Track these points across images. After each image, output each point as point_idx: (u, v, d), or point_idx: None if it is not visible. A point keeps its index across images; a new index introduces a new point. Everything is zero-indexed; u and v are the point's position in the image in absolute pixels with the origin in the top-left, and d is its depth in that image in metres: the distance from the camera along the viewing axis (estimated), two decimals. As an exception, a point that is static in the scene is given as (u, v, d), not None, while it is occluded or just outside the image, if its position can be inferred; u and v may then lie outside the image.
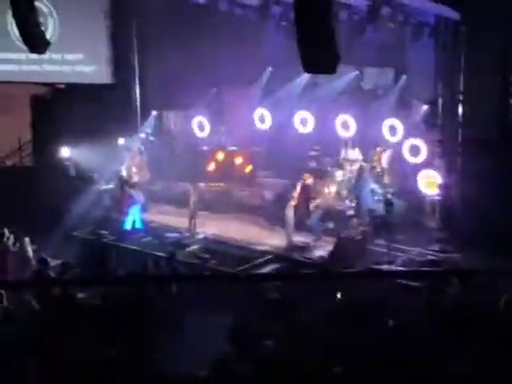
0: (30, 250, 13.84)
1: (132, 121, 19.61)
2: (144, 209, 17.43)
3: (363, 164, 17.39)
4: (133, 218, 17.01)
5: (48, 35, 16.00)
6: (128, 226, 16.93)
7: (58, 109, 18.50)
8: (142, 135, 19.61)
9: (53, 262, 13.03)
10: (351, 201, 17.11)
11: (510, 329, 8.83)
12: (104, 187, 18.25)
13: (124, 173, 18.13)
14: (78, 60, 18.91)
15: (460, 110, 15.02)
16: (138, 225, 17.09)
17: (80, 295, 10.69)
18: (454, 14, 14.78)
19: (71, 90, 18.88)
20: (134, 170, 18.22)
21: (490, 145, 14.87)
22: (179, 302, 10.76)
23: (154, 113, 19.97)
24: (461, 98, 14.96)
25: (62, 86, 19.41)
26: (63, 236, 15.65)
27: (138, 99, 19.74)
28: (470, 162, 14.99)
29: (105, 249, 15.03)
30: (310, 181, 15.95)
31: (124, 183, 17.52)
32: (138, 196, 17.22)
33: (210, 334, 8.60)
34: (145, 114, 19.90)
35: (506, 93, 14.48)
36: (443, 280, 10.96)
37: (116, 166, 18.20)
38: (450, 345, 8.02)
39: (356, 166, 17.65)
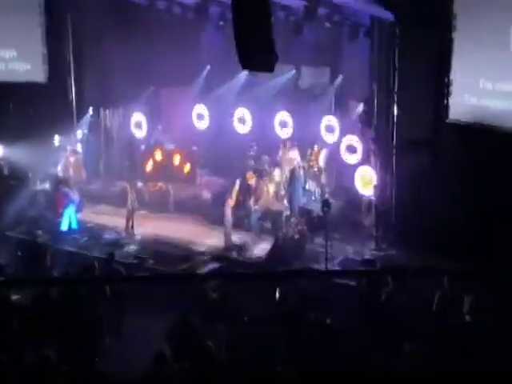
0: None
1: (68, 119, 19.29)
2: (79, 209, 17.16)
3: (295, 164, 17.45)
4: (68, 219, 16.75)
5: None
6: (64, 226, 16.67)
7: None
8: (79, 133, 19.31)
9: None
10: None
11: (444, 326, 9.02)
12: (39, 187, 17.94)
13: (60, 172, 17.84)
14: (11, 57, 18.51)
15: (395, 109, 15.24)
16: (74, 225, 16.84)
17: (14, 297, 10.51)
18: (388, 15, 15.00)
19: (4, 88, 18.46)
20: (70, 169, 17.93)
21: (424, 144, 15.15)
22: (117, 303, 10.66)
23: (91, 110, 19.68)
24: (395, 97, 15.18)
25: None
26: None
27: (74, 97, 19.42)
28: (405, 160, 15.23)
29: (40, 249, 14.74)
30: (252, 180, 15.99)
31: (59, 182, 17.24)
32: (74, 195, 16.97)
33: (149, 334, 8.55)
34: (81, 112, 19.60)
35: (440, 92, 14.74)
36: (379, 278, 11.13)
37: (51, 166, 17.90)
38: (385, 342, 8.14)
39: (293, 165, 17.74)
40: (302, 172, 17.31)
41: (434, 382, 5.92)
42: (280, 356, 7.72)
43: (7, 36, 18.17)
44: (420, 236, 14.20)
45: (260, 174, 17.35)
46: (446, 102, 14.65)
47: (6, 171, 18.07)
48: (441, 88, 14.69)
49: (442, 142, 15.01)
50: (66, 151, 18.31)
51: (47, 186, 17.99)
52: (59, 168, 17.92)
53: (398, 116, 15.24)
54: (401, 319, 9.52)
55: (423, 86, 14.80)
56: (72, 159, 18.21)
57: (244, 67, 8.91)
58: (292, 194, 16.82)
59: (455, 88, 14.45)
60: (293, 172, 17.19)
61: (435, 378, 5.86)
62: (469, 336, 8.14)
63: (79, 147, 18.93)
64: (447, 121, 14.71)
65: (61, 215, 17.06)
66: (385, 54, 15.47)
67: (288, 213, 16.64)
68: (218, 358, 7.44)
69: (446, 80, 14.52)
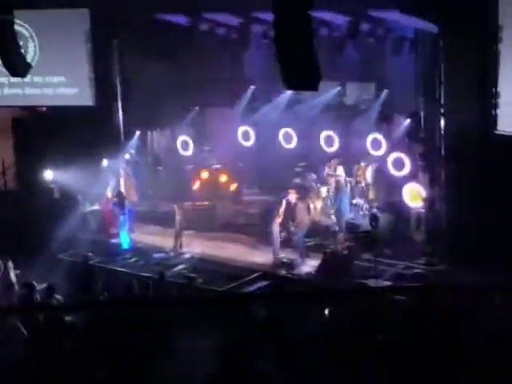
0: (12, 274, 13.75)
1: (115, 142, 19.56)
2: (132, 229, 17.37)
3: (340, 179, 17.38)
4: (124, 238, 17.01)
5: (29, 58, 16.02)
6: (125, 244, 16.89)
7: (41, 132, 18.44)
8: (127, 156, 19.55)
9: (38, 286, 12.94)
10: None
11: (503, 342, 8.83)
12: (88, 209, 18.19)
13: (109, 194, 18.06)
14: (59, 82, 18.86)
15: (442, 122, 15.09)
16: (126, 245, 17.04)
17: (68, 318, 10.63)
18: (432, 27, 14.91)
19: (53, 113, 18.82)
20: (122, 191, 18.13)
21: (472, 157, 14.96)
22: (169, 324, 10.72)
23: (138, 133, 19.93)
24: (442, 110, 15.04)
25: (44, 108, 19.36)
26: (49, 259, 15.53)
27: (121, 120, 19.69)
28: (454, 174, 15.06)
29: (91, 271, 14.92)
30: (294, 197, 15.89)
31: (118, 197, 17.36)
32: (130, 215, 17.19)
33: (201, 356, 8.55)
34: (128, 135, 19.86)
35: (486, 104, 14.57)
36: (430, 294, 10.98)
37: (100, 188, 18.13)
38: (439, 361, 8.01)
39: (340, 182, 17.70)
40: (348, 186, 17.23)
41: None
42: (328, 375, 7.66)
43: (55, 63, 18.53)
44: (471, 251, 14.00)
45: (306, 191, 17.33)
46: (493, 113, 14.47)
47: (56, 194, 18.37)
48: (488, 100, 14.52)
49: (491, 154, 14.80)
50: (116, 174, 18.53)
51: (97, 207, 18.23)
52: (109, 189, 18.13)
53: (445, 129, 15.09)
54: (455, 337, 9.37)
55: (470, 98, 14.64)
56: (122, 180, 18.44)
57: (287, 87, 8.96)
58: (338, 209, 16.72)
59: (502, 100, 14.26)
60: (338, 186, 17.13)
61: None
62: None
63: (129, 169, 19.15)
64: (495, 132, 14.52)
65: (112, 236, 17.31)
66: (430, 66, 15.39)
67: (336, 228, 16.58)
68: (267, 376, 7.42)
69: (494, 91, 14.35)
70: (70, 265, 15.74)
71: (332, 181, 17.87)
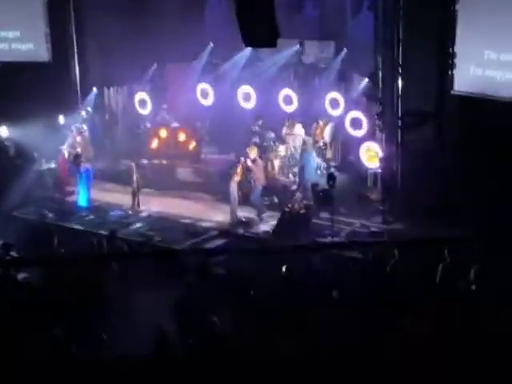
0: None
1: (72, 98, 19.28)
2: (89, 187, 17.20)
3: (306, 138, 17.46)
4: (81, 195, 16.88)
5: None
6: (82, 202, 16.76)
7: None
8: (83, 113, 19.31)
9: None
10: (294, 175, 17.20)
11: (452, 296, 9.04)
12: (45, 166, 17.98)
13: (65, 151, 17.87)
14: (14, 37, 18.47)
15: (399, 82, 15.16)
16: (84, 203, 16.91)
17: (21, 276, 10.58)
18: (391, -12, 14.90)
19: (8, 68, 18.44)
20: (77, 148, 17.93)
21: (429, 116, 15.10)
22: (125, 280, 10.72)
23: (95, 90, 19.68)
24: (400, 70, 15.10)
25: (-1, 64, 18.97)
26: (4, 216, 15.38)
27: (78, 76, 19.40)
28: (410, 133, 15.20)
29: (46, 228, 14.79)
30: (252, 156, 15.87)
31: (76, 158, 17.17)
32: (88, 172, 17.02)
33: (154, 312, 8.59)
34: (85, 92, 19.59)
35: (444, 64, 14.67)
36: (385, 251, 11.17)
37: (57, 145, 17.91)
38: (391, 315, 8.17)
39: (298, 141, 17.73)
40: (311, 146, 17.22)
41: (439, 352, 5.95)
42: (284, 331, 7.75)
43: (10, 17, 18.11)
44: (425, 208, 14.21)
45: (264, 150, 17.34)
46: (450, 73, 14.58)
47: (11, 151, 18.10)
48: (445, 60, 14.61)
49: (447, 113, 14.95)
50: (71, 130, 18.33)
51: (53, 165, 18.03)
52: (65, 146, 17.94)
53: (402, 89, 15.17)
54: (406, 292, 9.56)
55: (428, 58, 14.72)
56: (79, 138, 18.24)
57: (246, 44, 8.90)
58: (302, 168, 16.70)
59: (460, 60, 14.37)
60: (304, 146, 17.14)
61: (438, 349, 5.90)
62: (474, 304, 8.16)
63: (85, 126, 18.93)
64: (452, 92, 14.65)
65: (69, 193, 17.17)
66: (389, 26, 15.37)
67: (294, 187, 16.64)
68: (222, 334, 7.47)
69: (451, 52, 14.44)
70: (25, 222, 15.60)
71: (290, 139, 17.89)
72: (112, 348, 7.77)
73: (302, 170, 16.74)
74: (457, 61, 14.38)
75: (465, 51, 14.30)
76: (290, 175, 17.31)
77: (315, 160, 16.96)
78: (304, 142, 17.33)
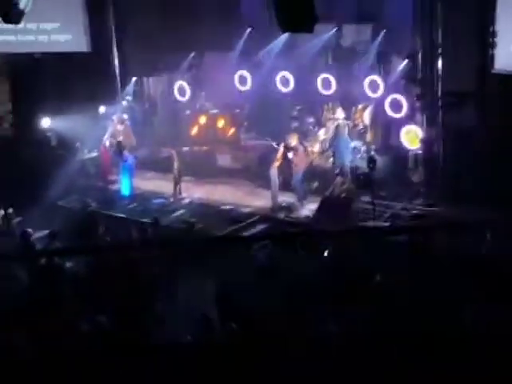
0: (13, 222, 13.84)
1: (112, 88, 19.46)
2: (132, 176, 17.37)
3: (340, 122, 17.31)
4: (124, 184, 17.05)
5: (22, 5, 15.79)
6: (126, 190, 16.92)
7: (36, 79, 18.31)
8: (124, 102, 19.48)
9: (39, 233, 13.04)
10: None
11: (498, 275, 8.94)
12: (87, 156, 18.21)
13: (107, 140, 18.06)
14: (53, 29, 18.66)
15: (439, 63, 15.00)
16: (126, 192, 17.09)
17: (68, 264, 10.75)
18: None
19: (49, 60, 18.65)
20: (119, 137, 18.10)
21: (470, 96, 14.91)
22: (168, 268, 10.83)
23: (134, 79, 19.83)
24: (439, 50, 14.93)
25: (39, 55, 19.16)
26: (48, 207, 15.61)
27: (117, 66, 19.57)
28: (451, 114, 15.04)
29: (91, 217, 14.99)
30: (294, 141, 15.85)
31: (117, 147, 17.33)
32: (131, 161, 17.18)
33: (199, 298, 8.66)
34: (124, 81, 19.76)
35: (485, 43, 14.47)
36: (430, 233, 11.06)
37: (98, 135, 18.11)
38: (441, 299, 8.11)
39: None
40: (346, 129, 17.14)
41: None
42: (327, 318, 7.75)
43: (49, 9, 18.27)
44: (468, 191, 14.06)
45: (304, 135, 17.30)
46: (491, 52, 14.37)
47: (54, 142, 18.35)
48: (486, 39, 14.41)
49: (488, 93, 14.76)
50: (112, 120, 18.50)
51: (96, 154, 18.24)
52: (106, 136, 18.12)
53: (442, 69, 15.01)
54: (454, 272, 9.46)
55: (468, 37, 14.53)
56: (120, 127, 18.41)
57: (283, 29, 8.90)
58: (336, 152, 16.68)
59: (500, 38, 14.16)
60: (337, 129, 17.08)
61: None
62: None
63: (126, 115, 19.10)
64: (493, 71, 14.45)
65: (111, 182, 17.37)
66: (428, 6, 15.20)
67: (335, 171, 16.60)
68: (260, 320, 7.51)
69: (491, 30, 14.23)
70: (69, 212, 15.83)
71: (330, 123, 17.82)
72: (157, 334, 7.86)
73: (336, 153, 16.68)
74: (497, 39, 14.17)
75: (505, 29, 14.08)
76: (331, 159, 17.25)
77: (349, 143, 16.85)
78: (337, 126, 17.20)
